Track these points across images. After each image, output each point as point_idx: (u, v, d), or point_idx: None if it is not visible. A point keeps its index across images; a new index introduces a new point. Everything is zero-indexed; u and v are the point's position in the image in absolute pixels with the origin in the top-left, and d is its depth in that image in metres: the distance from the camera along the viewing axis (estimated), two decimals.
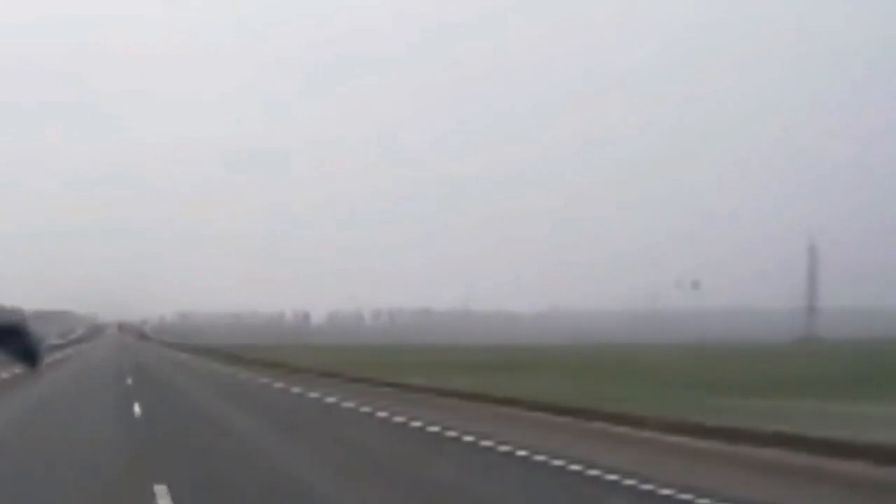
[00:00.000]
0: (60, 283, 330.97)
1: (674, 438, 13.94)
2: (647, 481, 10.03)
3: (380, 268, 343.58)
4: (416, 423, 17.16)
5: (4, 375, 30.82)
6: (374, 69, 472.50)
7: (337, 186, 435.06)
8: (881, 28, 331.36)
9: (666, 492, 9.50)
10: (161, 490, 9.40)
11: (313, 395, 25.97)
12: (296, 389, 28.37)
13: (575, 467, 11.34)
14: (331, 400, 23.85)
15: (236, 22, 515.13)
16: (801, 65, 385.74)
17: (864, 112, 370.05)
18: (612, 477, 10.49)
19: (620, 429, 15.51)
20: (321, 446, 14.51)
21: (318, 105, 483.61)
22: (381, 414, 19.46)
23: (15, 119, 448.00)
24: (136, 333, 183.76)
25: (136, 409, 20.66)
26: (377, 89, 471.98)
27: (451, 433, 15.48)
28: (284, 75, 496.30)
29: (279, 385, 31.03)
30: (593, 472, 10.87)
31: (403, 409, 19.81)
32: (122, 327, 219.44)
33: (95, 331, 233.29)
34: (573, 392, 21.37)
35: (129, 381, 32.46)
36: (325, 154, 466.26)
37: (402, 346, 79.87)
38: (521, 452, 12.90)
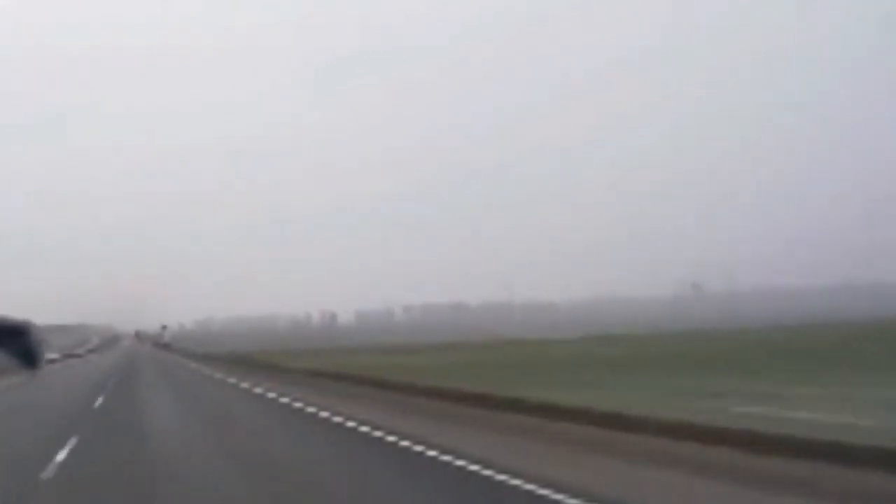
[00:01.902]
0: (79, 297, 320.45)
1: None
2: None
3: (403, 264, 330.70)
4: None
5: None
6: (388, 66, 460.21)
7: (354, 185, 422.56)
8: None
9: None
10: None
11: None
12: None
13: None
14: None
15: (246, 24, 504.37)
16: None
17: None
18: None
19: None
20: None
21: (331, 105, 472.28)
22: None
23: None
24: (153, 342, 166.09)
25: None
26: (397, 84, 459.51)
27: None
28: (296, 78, 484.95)
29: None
30: None
31: None
32: (140, 336, 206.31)
33: (110, 341, 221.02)
34: None
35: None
36: (345, 152, 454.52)
37: (482, 343, 64.94)
38: None
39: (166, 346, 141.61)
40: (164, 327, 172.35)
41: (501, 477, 9.54)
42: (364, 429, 14.92)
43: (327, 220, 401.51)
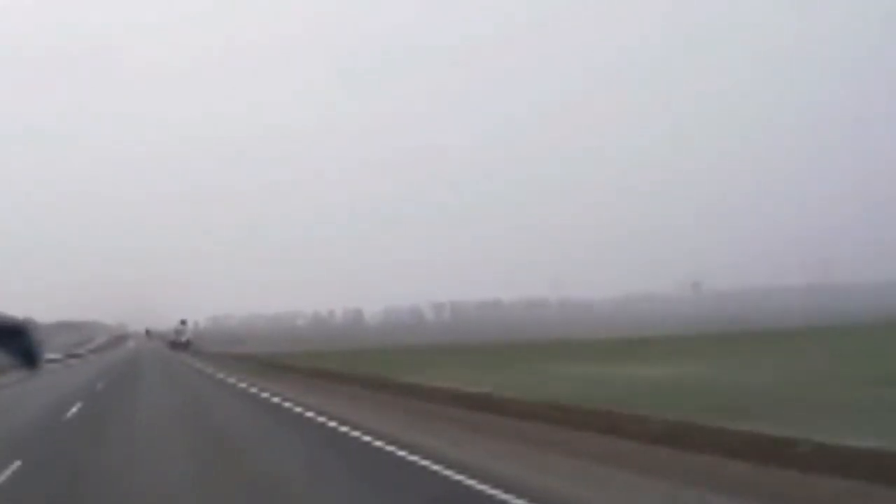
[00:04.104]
0: (91, 295, 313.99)
1: None
2: None
3: (428, 262, 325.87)
4: None
5: None
6: (418, 63, 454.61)
7: (380, 182, 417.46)
8: None
9: None
10: None
11: None
12: None
13: None
14: None
15: (247, 27, 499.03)
16: None
17: None
18: None
19: None
20: None
21: (356, 101, 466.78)
22: None
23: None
24: (170, 342, 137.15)
25: None
26: (427, 82, 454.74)
27: None
28: (325, 73, 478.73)
29: None
30: None
31: None
32: (150, 334, 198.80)
33: (115, 341, 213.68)
34: None
35: None
36: (369, 151, 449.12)
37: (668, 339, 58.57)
38: None
39: (186, 346, 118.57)
40: (184, 322, 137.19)
41: None
42: None
43: (349, 219, 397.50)
